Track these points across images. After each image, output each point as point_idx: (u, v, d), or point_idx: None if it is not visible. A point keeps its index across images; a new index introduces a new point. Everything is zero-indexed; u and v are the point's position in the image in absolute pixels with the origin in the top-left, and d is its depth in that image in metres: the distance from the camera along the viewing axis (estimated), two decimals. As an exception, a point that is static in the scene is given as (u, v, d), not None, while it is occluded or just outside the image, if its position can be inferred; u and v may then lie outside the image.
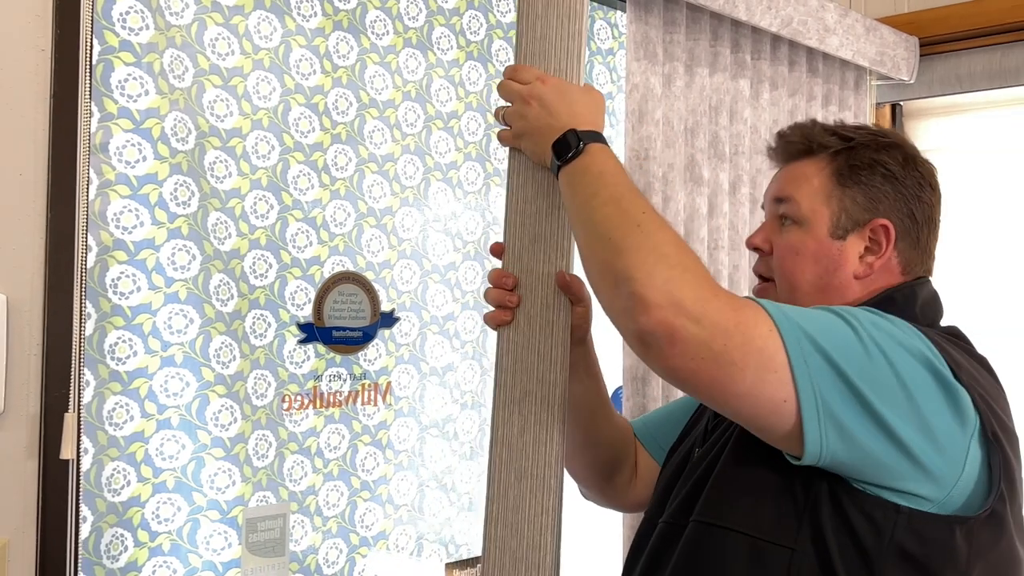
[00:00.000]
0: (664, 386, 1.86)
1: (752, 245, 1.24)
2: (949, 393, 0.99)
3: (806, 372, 0.95)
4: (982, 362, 1.11)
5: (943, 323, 1.18)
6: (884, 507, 0.99)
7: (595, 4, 2.13)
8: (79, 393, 1.32)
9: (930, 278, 1.19)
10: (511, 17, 1.99)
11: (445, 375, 1.88)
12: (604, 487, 1.39)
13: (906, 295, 1.14)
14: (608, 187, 1.08)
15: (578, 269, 1.16)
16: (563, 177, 1.13)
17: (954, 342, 1.10)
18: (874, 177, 1.15)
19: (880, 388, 0.97)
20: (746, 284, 2.18)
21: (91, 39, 1.33)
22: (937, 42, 2.53)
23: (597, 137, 1.14)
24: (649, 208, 1.06)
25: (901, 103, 2.67)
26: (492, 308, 1.22)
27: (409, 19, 1.81)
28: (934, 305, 1.17)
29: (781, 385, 0.95)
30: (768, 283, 1.23)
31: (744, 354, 0.95)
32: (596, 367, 1.36)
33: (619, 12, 2.17)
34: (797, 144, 1.20)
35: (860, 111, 2.50)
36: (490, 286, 1.23)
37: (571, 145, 1.13)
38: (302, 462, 1.67)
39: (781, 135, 1.23)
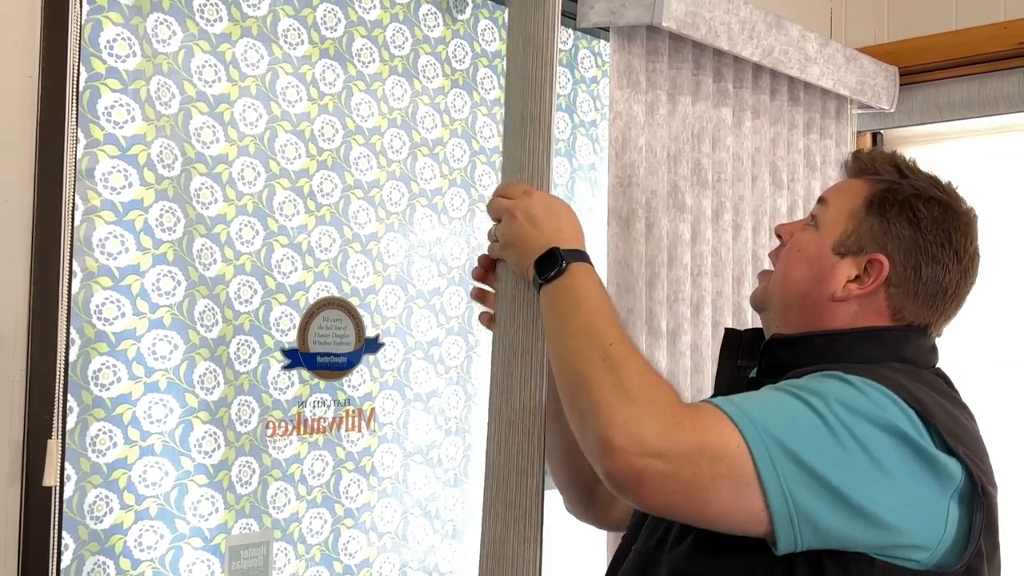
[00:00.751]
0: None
1: (776, 232, 1.28)
2: (927, 461, 0.99)
3: (776, 479, 0.95)
4: (964, 409, 1.12)
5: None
6: (860, 561, 0.99)
7: (579, 34, 2.15)
8: (63, 419, 1.32)
9: (931, 333, 1.19)
10: (496, 46, 2.01)
11: (429, 401, 1.89)
12: (586, 502, 1.40)
13: (896, 337, 1.15)
14: (582, 314, 1.10)
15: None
16: (543, 296, 1.16)
17: (942, 390, 1.10)
18: (900, 217, 1.16)
19: (855, 474, 0.97)
20: (729, 310, 2.19)
21: (78, 66, 1.33)
22: (917, 71, 2.57)
23: (580, 256, 1.17)
24: (618, 338, 1.07)
25: (882, 131, 2.71)
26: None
27: (395, 47, 1.83)
28: (927, 355, 1.17)
29: (755, 497, 0.96)
30: (770, 271, 1.27)
31: (714, 477, 0.95)
32: None
33: (603, 41, 2.19)
34: (861, 163, 1.24)
35: (841, 140, 2.53)
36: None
37: (553, 263, 1.16)
38: (285, 489, 1.66)
39: (855, 153, 1.27)
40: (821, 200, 1.24)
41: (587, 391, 1.02)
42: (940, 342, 1.22)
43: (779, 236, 1.27)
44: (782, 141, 2.37)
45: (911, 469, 0.99)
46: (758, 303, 1.27)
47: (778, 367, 1.15)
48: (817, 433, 0.98)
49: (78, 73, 1.33)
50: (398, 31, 1.84)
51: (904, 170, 1.20)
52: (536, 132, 1.30)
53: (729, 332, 1.29)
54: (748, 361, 1.24)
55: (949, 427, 1.03)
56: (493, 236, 1.27)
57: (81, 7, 1.35)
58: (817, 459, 0.96)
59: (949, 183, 1.21)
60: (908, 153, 1.25)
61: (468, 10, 1.96)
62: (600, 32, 2.12)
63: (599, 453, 0.98)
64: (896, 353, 1.13)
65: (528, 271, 1.18)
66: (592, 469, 1.37)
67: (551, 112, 1.30)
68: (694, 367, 2.09)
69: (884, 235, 1.15)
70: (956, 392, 1.15)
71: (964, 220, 1.18)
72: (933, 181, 1.20)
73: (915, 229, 1.15)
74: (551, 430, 1.28)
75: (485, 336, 1.96)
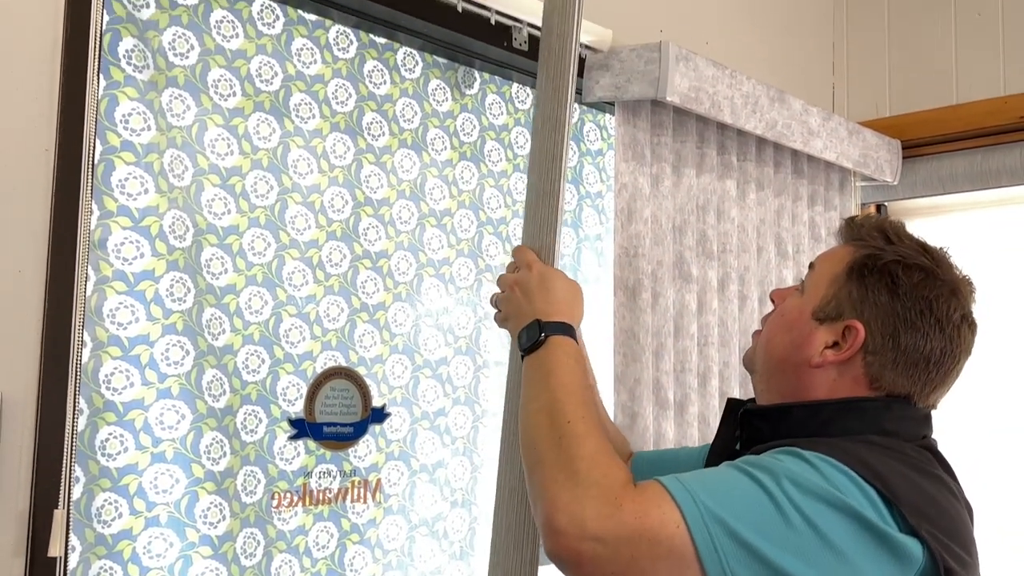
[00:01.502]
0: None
1: (770, 296, 1.29)
2: (883, 541, 0.98)
3: (716, 560, 0.94)
4: (945, 486, 1.08)
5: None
6: None
7: (585, 107, 2.19)
8: (69, 489, 1.31)
9: (916, 403, 1.15)
10: (503, 120, 2.04)
11: (435, 472, 1.88)
12: None
13: (878, 408, 1.12)
14: (548, 390, 1.12)
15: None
16: (523, 367, 1.19)
17: (919, 465, 1.07)
18: (878, 283, 1.14)
19: (802, 554, 0.95)
20: (736, 381, 2.19)
21: (94, 140, 1.36)
22: (919, 145, 2.60)
23: (563, 329, 1.20)
24: (578, 415, 1.08)
25: (886, 203, 2.73)
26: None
27: (405, 121, 1.86)
28: (913, 427, 1.14)
29: None
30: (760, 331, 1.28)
31: (653, 559, 0.95)
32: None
33: (608, 115, 2.23)
34: (852, 230, 1.23)
35: (846, 211, 2.56)
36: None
37: (533, 335, 1.19)
38: (290, 561, 1.65)
39: (848, 219, 1.26)
40: (811, 266, 1.25)
41: (539, 470, 1.04)
42: (938, 412, 1.20)
43: (773, 301, 1.28)
44: (787, 213, 2.39)
45: (866, 550, 0.97)
46: (747, 363, 1.28)
47: (758, 439, 1.15)
48: (763, 512, 0.96)
49: (93, 147, 1.36)
50: (408, 105, 1.87)
51: (890, 236, 1.18)
52: (547, 205, 1.34)
53: (730, 402, 1.29)
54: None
55: (915, 505, 1.00)
56: (495, 305, 1.30)
57: (98, 83, 1.38)
58: (761, 539, 0.95)
59: (940, 250, 1.18)
60: (912, 225, 1.24)
61: (476, 85, 2.00)
62: (605, 106, 2.16)
63: (544, 533, 0.99)
64: (877, 425, 1.10)
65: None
66: None
67: (560, 188, 1.35)
68: (701, 437, 2.08)
69: (862, 302, 1.14)
70: (941, 467, 1.12)
71: (949, 287, 1.14)
72: (921, 248, 1.17)
73: (892, 296, 1.13)
74: None
75: (492, 406, 1.97)
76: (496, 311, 1.33)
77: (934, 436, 1.17)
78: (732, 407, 1.27)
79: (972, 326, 1.17)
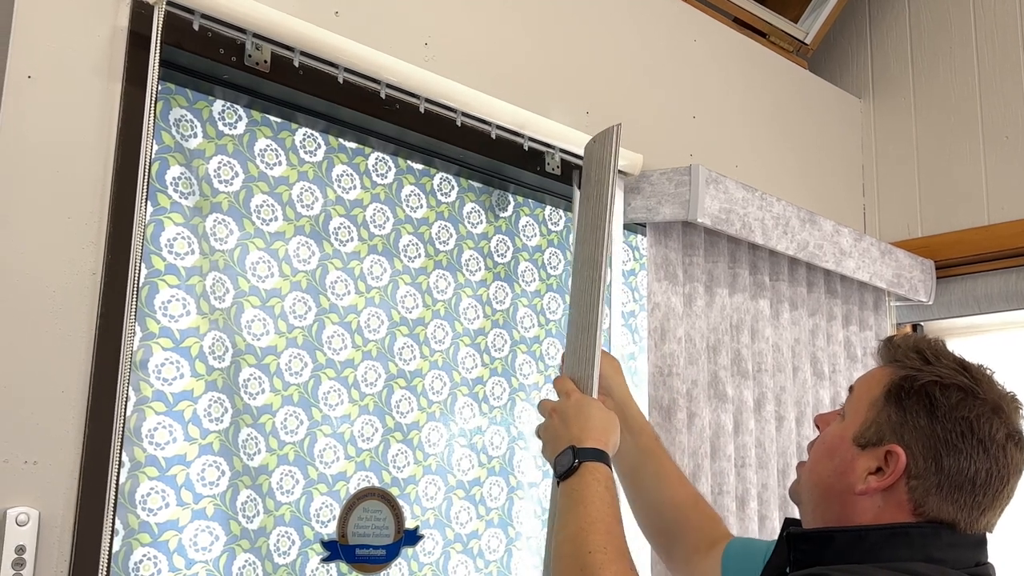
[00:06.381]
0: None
1: (814, 422, 1.28)
2: None
3: None
4: None
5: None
6: None
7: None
8: (100, 612, 1.31)
9: (963, 529, 1.10)
10: (536, 241, 2.08)
11: (468, 596, 1.85)
12: (663, 553, 1.55)
13: (925, 534, 1.08)
14: (576, 519, 1.16)
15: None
16: (559, 492, 1.24)
17: None
18: (917, 406, 1.12)
19: None
20: (775, 504, 2.15)
21: (140, 264, 1.40)
22: (953, 264, 2.60)
23: (597, 455, 1.24)
24: (600, 546, 1.11)
25: (922, 323, 2.72)
26: None
27: (440, 243, 1.90)
28: (964, 553, 1.10)
29: None
30: (805, 463, 1.26)
31: None
32: (636, 422, 1.55)
33: (640, 235, 2.26)
34: (889, 351, 1.21)
35: (882, 331, 2.54)
36: None
37: (567, 462, 1.23)
38: None
39: (886, 339, 1.25)
40: (850, 389, 1.23)
41: None
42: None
43: (817, 426, 1.27)
44: (821, 332, 2.39)
45: None
46: (793, 495, 1.26)
47: (805, 562, 1.12)
48: None
49: (139, 271, 1.40)
50: (443, 228, 1.91)
51: (928, 356, 1.16)
52: (587, 338, 1.42)
53: (787, 521, 1.27)
54: None
55: None
56: (539, 436, 1.35)
57: (146, 209, 1.43)
58: None
59: (980, 368, 1.16)
60: (950, 345, 1.22)
61: (510, 208, 2.05)
62: (636, 227, 2.19)
63: None
64: (925, 553, 1.07)
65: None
66: (659, 518, 1.54)
67: (598, 324, 1.42)
68: (740, 562, 2.04)
69: (901, 425, 1.11)
70: None
71: (990, 406, 1.11)
72: (960, 366, 1.15)
73: (932, 418, 1.10)
74: (630, 497, 1.48)
75: (526, 529, 1.94)
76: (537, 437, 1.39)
77: (990, 560, 1.13)
78: (787, 526, 1.25)
79: (1020, 444, 1.12)
